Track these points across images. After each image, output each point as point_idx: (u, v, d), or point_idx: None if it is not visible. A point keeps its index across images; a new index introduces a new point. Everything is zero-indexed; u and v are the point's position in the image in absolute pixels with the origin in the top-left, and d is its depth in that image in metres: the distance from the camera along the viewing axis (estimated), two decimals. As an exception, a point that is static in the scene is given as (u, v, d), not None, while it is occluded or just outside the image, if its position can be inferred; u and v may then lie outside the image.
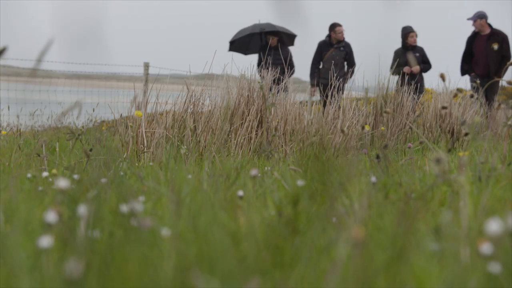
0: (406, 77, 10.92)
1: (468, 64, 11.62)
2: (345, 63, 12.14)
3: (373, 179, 2.40)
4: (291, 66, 12.27)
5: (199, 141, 5.80)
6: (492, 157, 2.89)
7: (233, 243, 1.53)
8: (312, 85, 11.85)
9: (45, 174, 2.94)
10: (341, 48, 12.08)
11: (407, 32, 12.12)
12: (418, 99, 8.92)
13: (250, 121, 6.31)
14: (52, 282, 1.41)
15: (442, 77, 2.82)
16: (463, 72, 11.73)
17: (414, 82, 11.15)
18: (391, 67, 12.02)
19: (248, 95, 6.58)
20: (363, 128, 4.44)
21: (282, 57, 11.90)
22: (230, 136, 6.03)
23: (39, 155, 3.81)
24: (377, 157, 3.19)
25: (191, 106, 6.32)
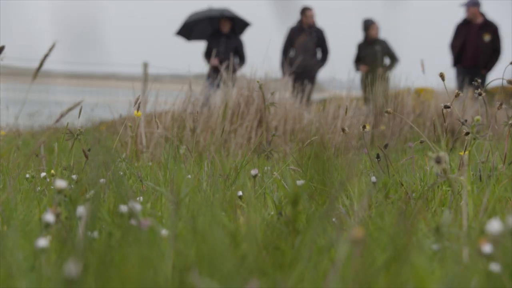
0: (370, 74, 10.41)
1: (459, 53, 10.90)
2: (319, 50, 11.36)
3: (373, 178, 2.39)
4: (241, 57, 11.39)
5: (199, 141, 5.79)
6: (493, 157, 2.88)
7: (233, 243, 1.52)
8: (283, 74, 10.65)
9: (43, 174, 2.93)
10: (313, 34, 11.25)
11: (368, 24, 11.49)
12: (383, 98, 8.61)
13: (249, 120, 6.30)
14: (50, 283, 1.40)
15: (442, 76, 2.81)
16: (455, 62, 11.00)
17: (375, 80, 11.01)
18: (354, 62, 11.50)
19: (247, 95, 6.56)
20: (363, 127, 4.43)
21: (232, 46, 11.10)
22: (229, 136, 6.02)
23: (37, 155, 3.80)
24: (377, 156, 3.18)
25: (191, 106, 6.31)
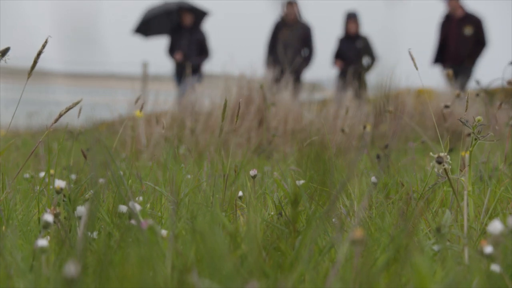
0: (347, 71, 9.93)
1: (443, 52, 10.29)
2: (305, 48, 10.51)
3: (374, 179, 2.38)
4: (206, 50, 10.79)
5: (198, 141, 5.79)
6: (494, 157, 2.87)
7: (233, 243, 1.52)
8: (268, 70, 10.14)
9: (42, 174, 2.93)
10: (297, 30, 10.39)
11: (346, 19, 10.67)
12: (360, 97, 8.07)
13: (249, 120, 6.30)
14: (49, 283, 1.40)
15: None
16: (435, 60, 10.38)
17: (357, 77, 10.03)
18: (332, 57, 10.81)
19: (247, 95, 6.56)
20: (364, 127, 4.43)
21: (196, 40, 10.46)
22: (229, 136, 6.01)
23: (36, 155, 3.79)
24: (378, 157, 3.17)
25: (191, 106, 6.30)
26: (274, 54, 10.31)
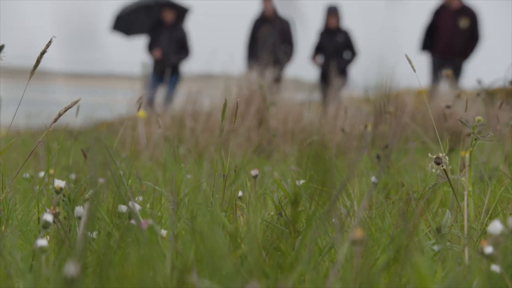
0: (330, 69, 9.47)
1: (430, 39, 9.79)
2: (285, 44, 10.23)
3: (374, 179, 2.38)
4: (186, 49, 10.35)
5: (198, 141, 5.78)
6: (494, 157, 2.87)
7: (232, 244, 1.51)
8: (248, 67, 9.53)
9: (42, 174, 2.92)
10: (276, 25, 10.07)
11: (327, 13, 10.30)
12: (338, 97, 7.86)
13: (249, 120, 6.30)
14: (49, 283, 1.40)
15: (448, 75, 2.79)
16: (424, 47, 9.84)
17: (339, 75, 9.68)
18: (312, 52, 10.42)
19: (247, 95, 6.56)
20: (365, 127, 4.43)
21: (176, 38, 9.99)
22: (229, 136, 6.01)
23: (36, 155, 3.79)
24: (378, 157, 3.17)
25: (191, 106, 6.31)
26: (254, 51, 10.03)
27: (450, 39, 9.63)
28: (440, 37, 9.72)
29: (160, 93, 9.90)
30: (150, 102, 9.79)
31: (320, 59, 10.30)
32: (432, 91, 8.25)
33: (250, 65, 9.48)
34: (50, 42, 1.86)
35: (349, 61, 10.34)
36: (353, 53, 10.34)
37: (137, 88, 10.06)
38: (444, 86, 8.47)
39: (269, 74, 6.93)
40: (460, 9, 9.70)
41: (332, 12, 10.25)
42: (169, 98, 9.77)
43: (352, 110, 6.45)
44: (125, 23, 10.46)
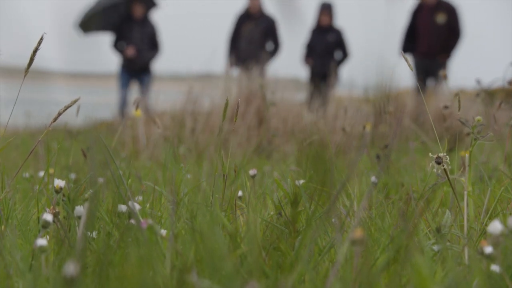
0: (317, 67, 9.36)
1: (411, 41, 9.42)
2: (269, 42, 9.87)
3: (374, 179, 2.38)
4: (156, 45, 9.93)
5: (198, 141, 5.78)
6: (494, 157, 2.87)
7: (232, 243, 1.51)
8: (230, 64, 9.47)
9: (41, 173, 2.92)
10: (261, 22, 9.70)
11: (320, 10, 9.89)
12: (324, 99, 7.65)
13: (249, 120, 6.29)
14: (48, 282, 1.40)
15: (444, 76, 2.80)
16: (404, 49, 9.39)
17: (321, 76, 9.52)
18: (303, 50, 10.06)
19: (247, 94, 6.56)
20: (364, 127, 4.43)
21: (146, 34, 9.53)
22: (229, 136, 6.01)
23: (35, 155, 3.79)
24: (378, 157, 3.17)
25: (191, 106, 6.30)
26: (235, 47, 9.74)
27: (429, 37, 9.29)
28: (420, 37, 9.36)
29: (134, 94, 9.59)
30: (124, 105, 9.52)
31: (312, 60, 9.93)
32: (417, 93, 8.05)
33: (231, 62, 9.33)
34: (41, 39, 1.85)
35: (339, 62, 9.97)
36: (345, 54, 9.99)
37: (137, 88, 10.04)
38: (430, 87, 8.36)
39: (251, 71, 6.82)
40: (436, 5, 9.29)
41: (325, 9, 9.89)
42: (145, 99, 9.54)
43: (352, 110, 6.45)
44: (88, 21, 9.89)
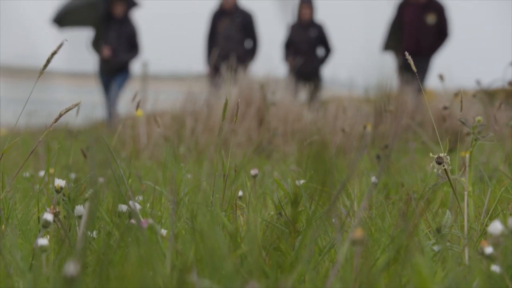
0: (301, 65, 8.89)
1: (395, 38, 9.04)
2: (247, 39, 9.43)
3: (374, 179, 2.38)
4: (135, 46, 9.63)
5: (198, 141, 5.78)
6: (494, 157, 2.87)
7: (232, 243, 1.51)
8: (209, 65, 9.11)
9: (42, 173, 2.92)
10: (237, 18, 9.23)
11: (300, 4, 9.40)
12: (314, 99, 7.46)
13: (249, 120, 6.29)
14: (48, 282, 1.40)
15: (441, 77, 2.80)
16: (386, 47, 9.17)
17: (307, 75, 9.04)
18: (283, 47, 9.55)
19: (247, 94, 6.55)
20: (364, 127, 4.43)
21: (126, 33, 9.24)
22: (229, 136, 6.02)
23: (36, 154, 3.79)
24: (378, 157, 3.17)
25: (191, 106, 6.30)
26: (213, 45, 9.26)
27: (417, 36, 8.94)
28: (405, 34, 8.98)
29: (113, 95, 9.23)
30: (111, 107, 9.15)
31: (294, 59, 9.33)
32: (399, 92, 7.90)
33: (210, 61, 8.86)
34: (61, 44, 1.85)
35: (323, 60, 9.52)
36: (328, 50, 9.53)
37: (137, 88, 10.03)
38: (412, 86, 8.24)
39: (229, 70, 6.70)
40: (426, 3, 8.99)
41: (306, 2, 9.38)
42: (113, 100, 9.04)
43: (352, 110, 6.45)
44: (65, 16, 9.68)
